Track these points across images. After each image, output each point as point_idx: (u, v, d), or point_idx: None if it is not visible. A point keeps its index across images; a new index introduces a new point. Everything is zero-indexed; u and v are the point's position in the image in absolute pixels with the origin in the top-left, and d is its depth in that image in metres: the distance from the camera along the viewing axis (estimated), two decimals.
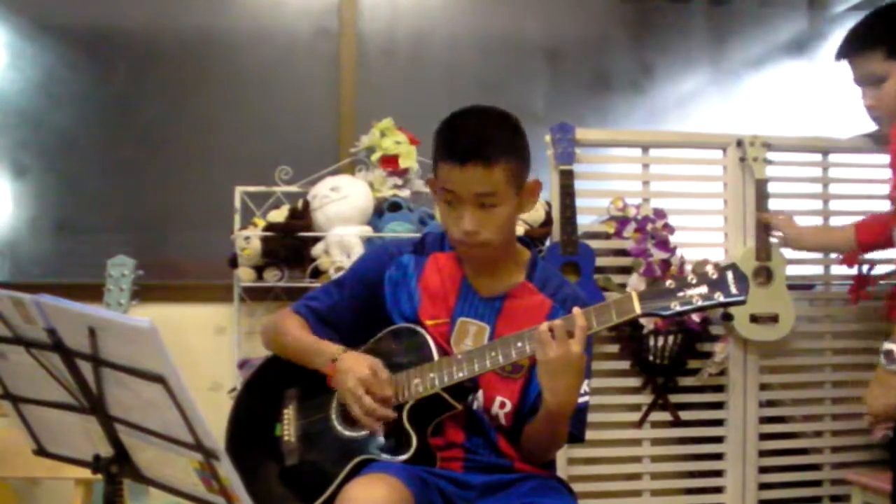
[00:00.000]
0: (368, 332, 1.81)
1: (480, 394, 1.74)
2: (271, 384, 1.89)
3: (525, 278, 1.79)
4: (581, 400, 1.69)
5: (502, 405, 1.74)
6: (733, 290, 1.50)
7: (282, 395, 1.85)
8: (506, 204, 1.69)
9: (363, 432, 1.72)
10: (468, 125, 1.70)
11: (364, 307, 1.83)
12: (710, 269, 1.53)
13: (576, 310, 1.56)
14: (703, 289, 1.51)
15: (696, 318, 2.85)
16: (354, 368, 1.68)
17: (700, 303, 1.51)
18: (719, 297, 1.50)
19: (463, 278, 1.80)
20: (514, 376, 1.74)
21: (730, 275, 1.51)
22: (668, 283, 1.54)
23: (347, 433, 1.74)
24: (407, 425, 1.68)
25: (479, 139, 1.66)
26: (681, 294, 1.52)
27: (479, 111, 1.73)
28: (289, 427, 1.82)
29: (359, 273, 1.88)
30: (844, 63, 2.39)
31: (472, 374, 1.65)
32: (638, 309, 1.53)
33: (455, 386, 1.68)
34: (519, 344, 1.61)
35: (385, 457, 1.68)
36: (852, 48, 2.34)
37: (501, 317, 1.76)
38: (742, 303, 1.51)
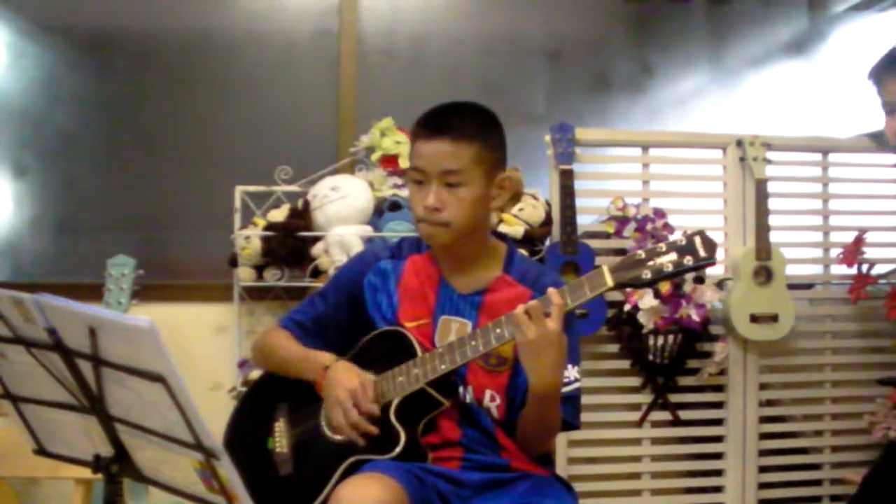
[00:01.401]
0: (354, 338, 1.83)
1: (471, 387, 1.74)
2: (262, 400, 1.91)
3: (502, 271, 1.80)
4: (571, 387, 1.71)
5: (493, 398, 1.74)
6: (702, 253, 1.53)
7: (273, 410, 1.87)
8: (471, 186, 1.70)
9: None
10: (443, 107, 1.77)
11: (347, 315, 1.85)
12: (678, 237, 1.56)
13: (550, 289, 1.57)
14: (673, 255, 1.54)
15: (696, 317, 2.85)
16: (344, 380, 1.70)
17: (671, 269, 1.54)
18: (689, 262, 1.53)
19: (440, 277, 1.81)
20: (498, 369, 1.74)
21: (697, 239, 1.54)
22: (638, 253, 1.56)
23: (338, 438, 1.74)
24: (395, 423, 1.69)
25: (449, 115, 1.73)
26: (651, 263, 1.54)
27: (458, 102, 1.79)
28: (280, 439, 1.83)
29: (339, 282, 1.91)
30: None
31: (454, 366, 1.66)
32: (610, 281, 1.55)
33: (440, 381, 1.68)
34: (497, 330, 1.62)
35: (375, 455, 1.68)
36: (886, 70, 2.14)
37: (482, 312, 1.76)
38: (712, 264, 1.54)
